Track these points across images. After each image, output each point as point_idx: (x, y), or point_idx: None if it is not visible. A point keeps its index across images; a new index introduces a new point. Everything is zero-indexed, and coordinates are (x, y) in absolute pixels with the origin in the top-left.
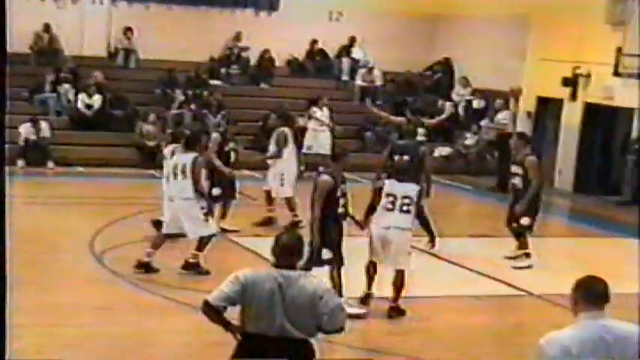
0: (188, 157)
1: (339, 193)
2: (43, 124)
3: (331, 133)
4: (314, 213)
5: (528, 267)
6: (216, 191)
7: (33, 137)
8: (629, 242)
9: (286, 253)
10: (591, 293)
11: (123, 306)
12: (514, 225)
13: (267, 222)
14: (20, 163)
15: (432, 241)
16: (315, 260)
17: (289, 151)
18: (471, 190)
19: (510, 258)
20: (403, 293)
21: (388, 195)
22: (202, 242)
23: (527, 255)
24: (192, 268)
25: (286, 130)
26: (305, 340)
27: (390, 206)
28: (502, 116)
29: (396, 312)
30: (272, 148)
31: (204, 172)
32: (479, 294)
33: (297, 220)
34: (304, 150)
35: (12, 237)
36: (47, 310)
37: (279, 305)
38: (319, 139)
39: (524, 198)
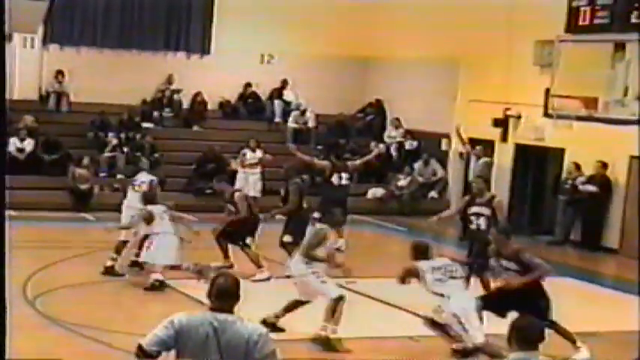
0: None
1: None
2: None
3: (262, 175)
4: None
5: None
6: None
7: None
8: (561, 282)
9: (222, 297)
10: (525, 333)
11: (56, 351)
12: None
13: None
14: None
15: None
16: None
17: None
18: (404, 231)
19: None
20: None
21: None
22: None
23: None
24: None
25: None
26: None
27: None
28: (481, 165)
29: None
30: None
31: None
32: (413, 334)
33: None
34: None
35: None
36: None
37: (214, 349)
38: (249, 182)
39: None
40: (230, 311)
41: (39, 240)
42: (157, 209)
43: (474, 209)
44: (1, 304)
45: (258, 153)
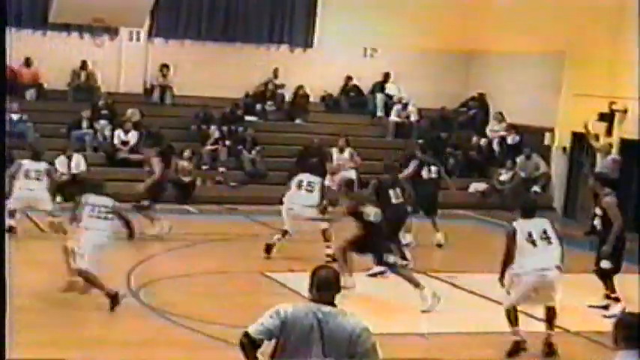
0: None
1: None
2: (76, 158)
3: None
4: None
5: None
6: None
7: (69, 171)
8: None
9: (324, 288)
10: (631, 331)
11: (158, 341)
12: (595, 269)
13: None
14: (58, 198)
15: None
16: None
17: None
18: (505, 226)
19: (596, 307)
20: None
21: None
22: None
23: (617, 300)
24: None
25: None
26: None
27: None
28: (608, 162)
29: None
30: None
31: None
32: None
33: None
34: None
35: (45, 272)
36: (81, 343)
37: (317, 341)
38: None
39: (608, 240)
40: (331, 303)
41: (141, 232)
42: None
43: (595, 210)
44: (1, 304)
45: (346, 154)
